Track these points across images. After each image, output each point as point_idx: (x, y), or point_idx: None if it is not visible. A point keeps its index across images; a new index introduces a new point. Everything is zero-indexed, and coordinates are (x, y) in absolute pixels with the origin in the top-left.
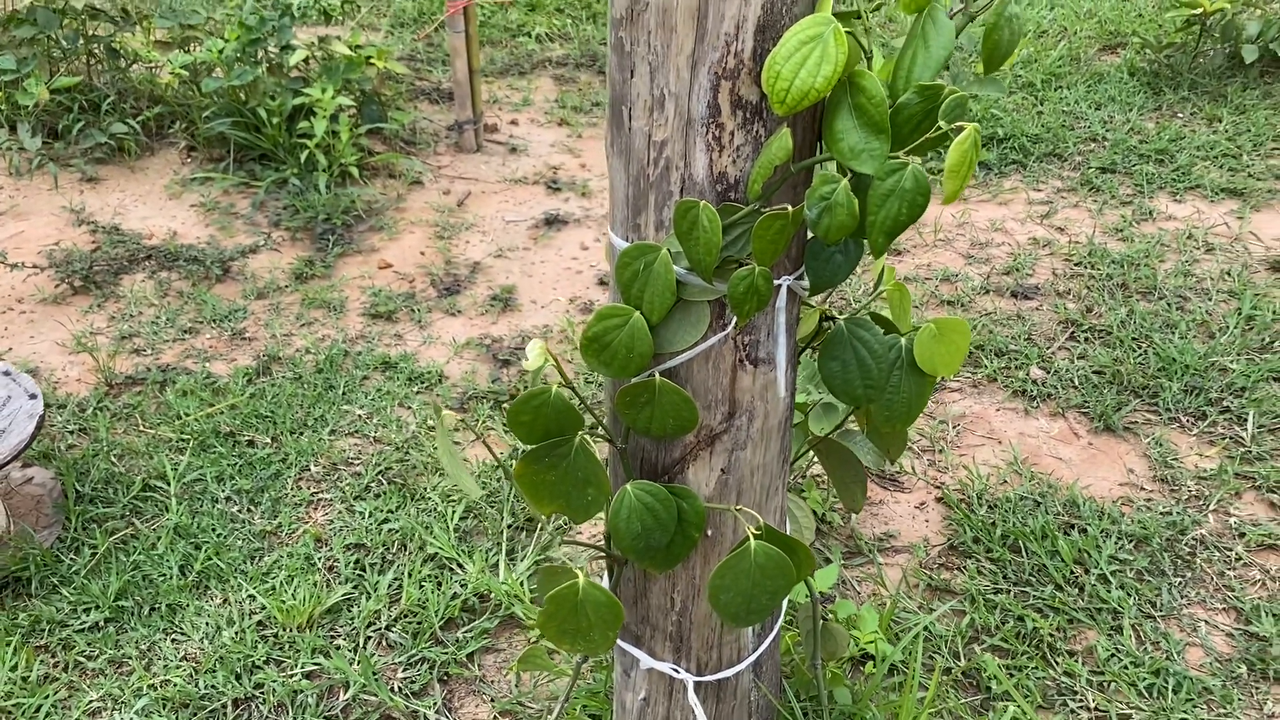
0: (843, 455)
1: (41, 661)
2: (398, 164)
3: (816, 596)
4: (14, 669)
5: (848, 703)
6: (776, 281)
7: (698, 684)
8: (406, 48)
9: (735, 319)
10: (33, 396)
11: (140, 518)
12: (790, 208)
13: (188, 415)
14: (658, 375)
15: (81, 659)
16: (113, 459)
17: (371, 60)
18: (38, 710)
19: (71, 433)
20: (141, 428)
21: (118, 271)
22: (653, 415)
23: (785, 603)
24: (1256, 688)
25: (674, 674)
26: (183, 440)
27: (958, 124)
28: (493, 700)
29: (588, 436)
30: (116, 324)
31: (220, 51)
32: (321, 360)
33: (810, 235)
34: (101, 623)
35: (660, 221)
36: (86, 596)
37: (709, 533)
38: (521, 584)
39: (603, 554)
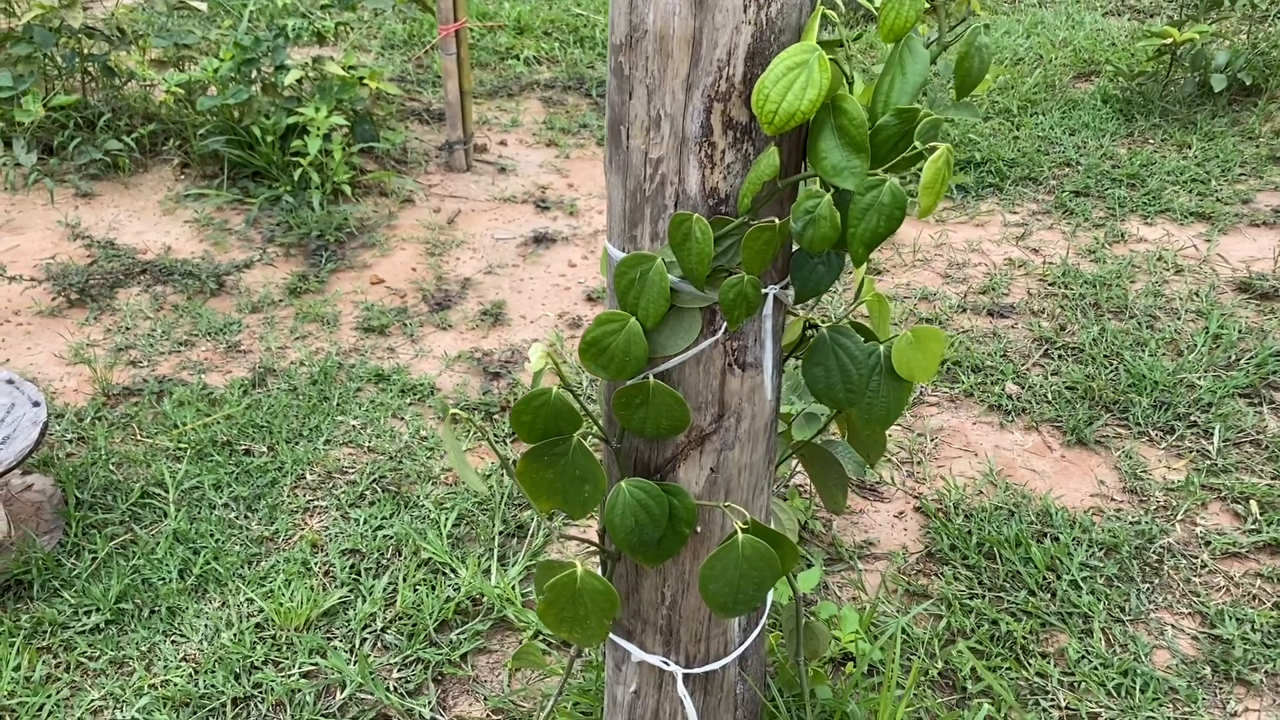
0: (824, 459)
1: (44, 662)
2: (389, 182)
3: (800, 595)
4: (17, 669)
5: (829, 699)
6: (764, 290)
7: (686, 676)
8: (397, 69)
9: (725, 325)
10: (35, 404)
11: (139, 523)
12: (777, 221)
13: (185, 425)
14: (652, 378)
15: (83, 660)
16: (111, 467)
17: (364, 81)
18: (41, 709)
19: (70, 441)
20: (139, 437)
21: (113, 285)
22: (646, 416)
23: (769, 602)
24: (1220, 688)
25: (664, 666)
26: (180, 449)
27: (932, 144)
28: (485, 699)
29: (583, 437)
30: (112, 336)
31: (215, 71)
32: (316, 373)
33: (795, 247)
34: (102, 625)
35: (656, 233)
36: (88, 599)
37: (698, 529)
38: (513, 588)
39: (597, 549)
